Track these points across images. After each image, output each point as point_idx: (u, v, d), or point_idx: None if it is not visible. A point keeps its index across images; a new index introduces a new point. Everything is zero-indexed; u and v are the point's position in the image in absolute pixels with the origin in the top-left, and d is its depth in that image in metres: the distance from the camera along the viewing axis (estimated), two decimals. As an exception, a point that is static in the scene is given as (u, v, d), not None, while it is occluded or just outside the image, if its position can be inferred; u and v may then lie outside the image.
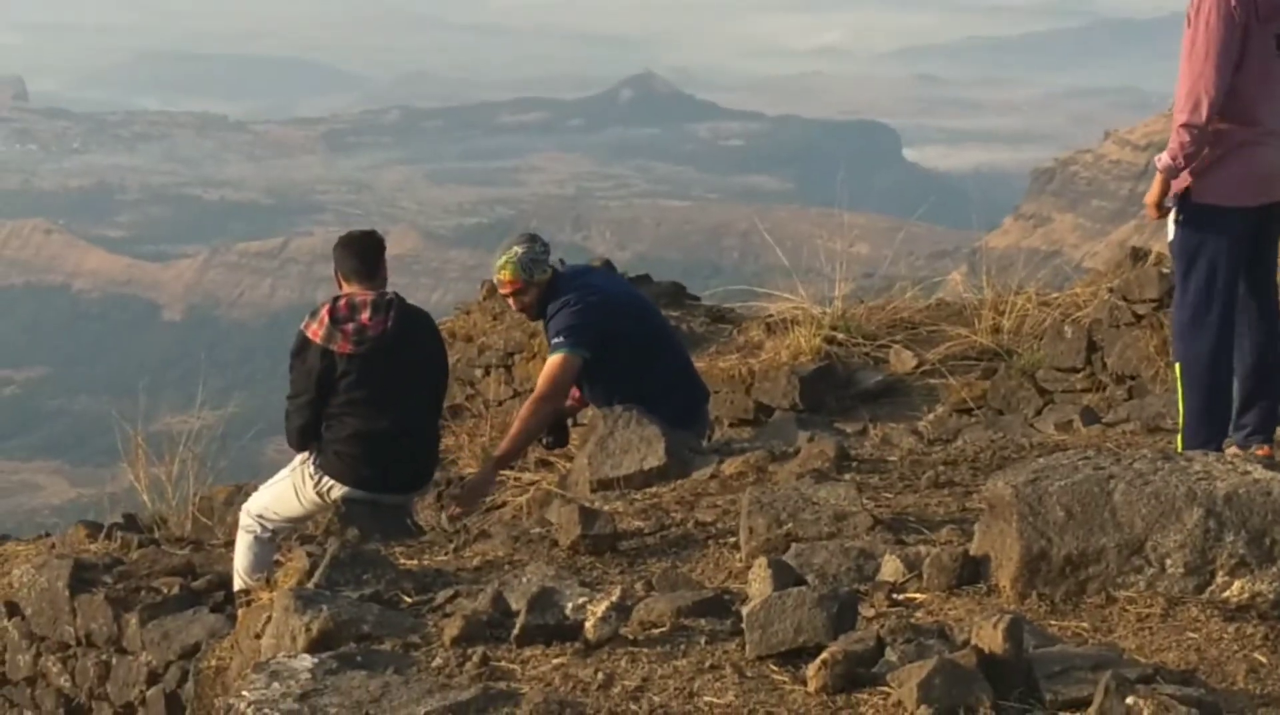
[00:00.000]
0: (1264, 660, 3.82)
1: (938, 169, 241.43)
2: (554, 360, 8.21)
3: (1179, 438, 6.79)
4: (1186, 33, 6.48)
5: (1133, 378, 10.30)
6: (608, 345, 8.23)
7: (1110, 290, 10.91)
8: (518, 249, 8.35)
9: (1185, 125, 6.44)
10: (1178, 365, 6.79)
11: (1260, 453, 6.47)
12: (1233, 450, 6.52)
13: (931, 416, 10.76)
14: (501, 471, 9.01)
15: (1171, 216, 6.70)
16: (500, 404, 12.53)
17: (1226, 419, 6.72)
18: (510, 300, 8.56)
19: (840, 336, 12.14)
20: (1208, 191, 6.57)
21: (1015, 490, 4.23)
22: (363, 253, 7.81)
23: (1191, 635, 3.93)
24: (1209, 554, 4.06)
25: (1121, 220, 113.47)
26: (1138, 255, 11.76)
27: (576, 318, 8.20)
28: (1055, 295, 12.47)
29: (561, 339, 8.18)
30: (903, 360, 11.78)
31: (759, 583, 4.28)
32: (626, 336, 8.35)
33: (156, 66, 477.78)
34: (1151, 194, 6.69)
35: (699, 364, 11.08)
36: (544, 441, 8.74)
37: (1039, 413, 10.30)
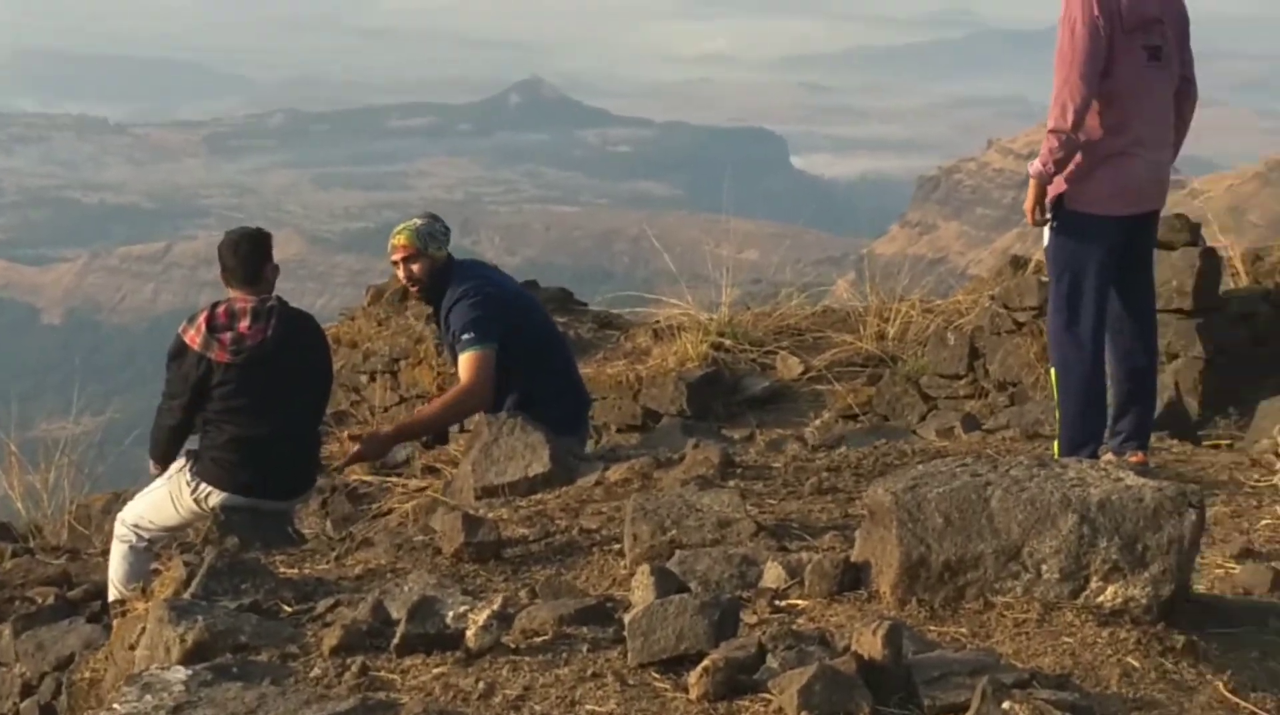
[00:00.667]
0: (1137, 664, 3.86)
1: (825, 176, 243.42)
2: (472, 358, 8.05)
3: (1056, 444, 6.87)
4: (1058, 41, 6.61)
5: (1014, 384, 10.43)
6: (504, 341, 8.18)
7: (992, 297, 11.04)
8: (418, 220, 8.36)
9: (1053, 131, 6.56)
10: (1053, 371, 6.88)
11: (1134, 459, 6.57)
12: (1108, 456, 6.62)
13: (817, 422, 10.83)
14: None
15: (1047, 223, 6.80)
16: (386, 410, 12.45)
17: (1102, 425, 6.80)
18: (399, 268, 8.42)
19: (727, 343, 12.20)
20: (1081, 199, 6.67)
21: (895, 497, 4.25)
22: (244, 255, 7.68)
23: (1067, 640, 3.97)
24: (1083, 559, 4.10)
25: (1005, 228, 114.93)
26: (1018, 263, 11.92)
27: (479, 310, 8.12)
28: (939, 302, 12.60)
29: (472, 335, 8.07)
30: (789, 366, 11.85)
31: (641, 590, 4.28)
32: (521, 334, 8.30)
33: (34, 66, 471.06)
34: (1028, 200, 6.79)
35: (586, 370, 11.08)
36: (423, 439, 8.69)
37: (923, 419, 10.40)
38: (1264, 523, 5.72)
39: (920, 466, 4.54)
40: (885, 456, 6.79)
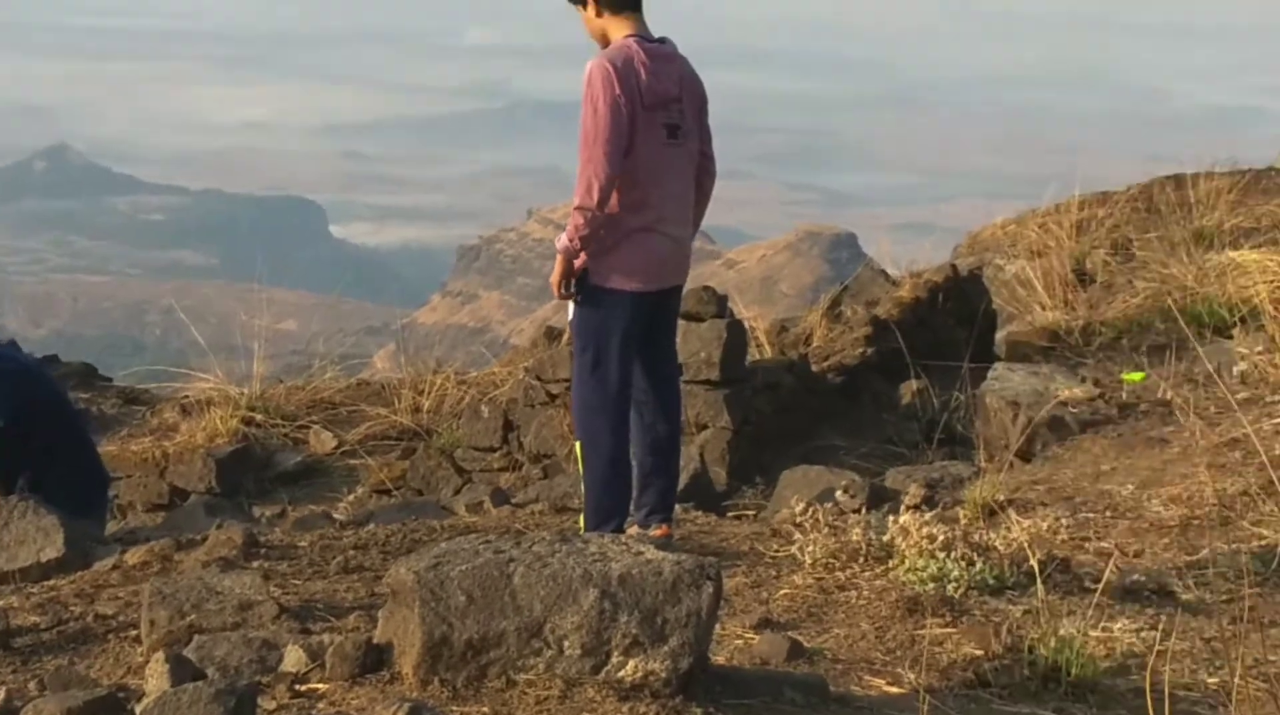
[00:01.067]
0: (655, 738, 3.92)
1: (366, 245, 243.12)
2: None
3: (582, 517, 6.92)
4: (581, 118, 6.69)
5: (548, 456, 10.55)
6: (15, 419, 7.82)
7: (526, 369, 11.16)
8: None
9: (579, 208, 6.62)
10: (579, 444, 6.93)
11: (658, 533, 6.67)
12: (633, 530, 6.70)
13: (351, 497, 10.75)
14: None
15: (574, 297, 6.87)
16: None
17: (627, 498, 6.87)
18: None
19: (259, 417, 12.01)
20: (605, 274, 6.75)
21: (417, 576, 4.21)
22: None
23: (587, 716, 4.00)
24: (604, 635, 4.13)
25: (546, 298, 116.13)
26: (552, 335, 12.09)
27: None
28: (473, 374, 12.70)
29: None
30: (322, 441, 11.75)
31: (156, 679, 4.14)
32: (33, 412, 7.98)
33: None
34: (554, 274, 6.84)
35: (110, 448, 10.73)
36: None
37: (458, 492, 10.42)
38: (782, 592, 5.90)
39: (445, 544, 4.51)
40: (414, 533, 6.76)
